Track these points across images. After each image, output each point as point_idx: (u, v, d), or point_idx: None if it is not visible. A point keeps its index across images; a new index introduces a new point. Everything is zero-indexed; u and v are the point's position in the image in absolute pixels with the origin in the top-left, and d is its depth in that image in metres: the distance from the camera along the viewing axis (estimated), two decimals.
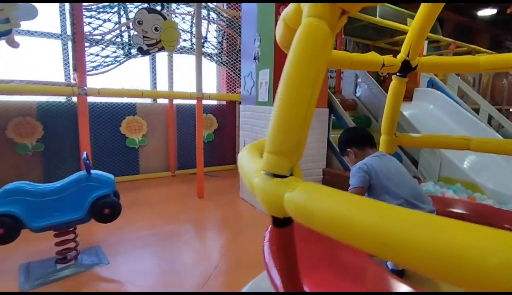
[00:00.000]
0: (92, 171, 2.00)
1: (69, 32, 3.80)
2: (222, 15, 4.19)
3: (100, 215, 1.98)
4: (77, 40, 2.64)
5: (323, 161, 3.30)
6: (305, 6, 0.58)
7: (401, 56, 1.48)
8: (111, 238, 2.45)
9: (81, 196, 1.95)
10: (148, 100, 4.57)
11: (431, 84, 5.46)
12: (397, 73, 1.54)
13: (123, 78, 3.98)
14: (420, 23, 1.35)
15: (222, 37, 4.34)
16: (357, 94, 4.65)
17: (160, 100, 4.64)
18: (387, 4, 5.44)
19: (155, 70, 4.57)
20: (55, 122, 3.76)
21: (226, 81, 4.86)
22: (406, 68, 1.48)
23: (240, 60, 4.52)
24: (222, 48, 4.37)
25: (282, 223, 0.60)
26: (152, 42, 3.02)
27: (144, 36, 2.95)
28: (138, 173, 4.41)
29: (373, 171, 1.27)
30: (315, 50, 0.55)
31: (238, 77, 4.55)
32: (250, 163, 0.73)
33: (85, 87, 2.73)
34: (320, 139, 3.22)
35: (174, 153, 4.61)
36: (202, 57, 4.07)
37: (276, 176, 0.58)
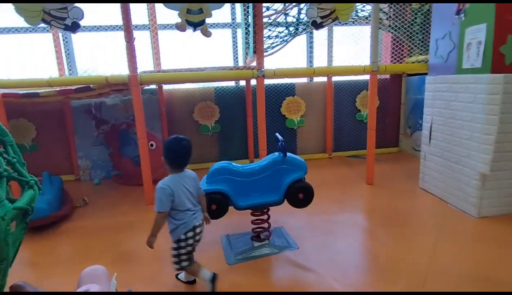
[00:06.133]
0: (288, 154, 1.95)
1: (238, 20, 4.04)
2: None
3: (294, 199, 1.92)
4: (257, 24, 2.66)
5: None
6: None
7: None
8: (289, 220, 2.43)
9: (277, 178, 1.93)
10: (304, 80, 4.46)
11: None
12: None
13: (276, 59, 3.93)
14: None
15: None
16: None
17: (316, 79, 4.45)
18: None
19: (312, 46, 4.38)
20: (228, 106, 4.14)
21: (390, 50, 4.19)
22: None
23: (415, 23, 3.76)
24: (391, 11, 3.72)
25: None
26: (326, 13, 2.76)
27: (318, 8, 2.72)
28: (295, 154, 4.42)
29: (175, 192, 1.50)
30: None
31: (411, 43, 3.81)
32: None
33: (262, 69, 2.76)
34: None
35: (331, 133, 4.38)
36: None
37: None
